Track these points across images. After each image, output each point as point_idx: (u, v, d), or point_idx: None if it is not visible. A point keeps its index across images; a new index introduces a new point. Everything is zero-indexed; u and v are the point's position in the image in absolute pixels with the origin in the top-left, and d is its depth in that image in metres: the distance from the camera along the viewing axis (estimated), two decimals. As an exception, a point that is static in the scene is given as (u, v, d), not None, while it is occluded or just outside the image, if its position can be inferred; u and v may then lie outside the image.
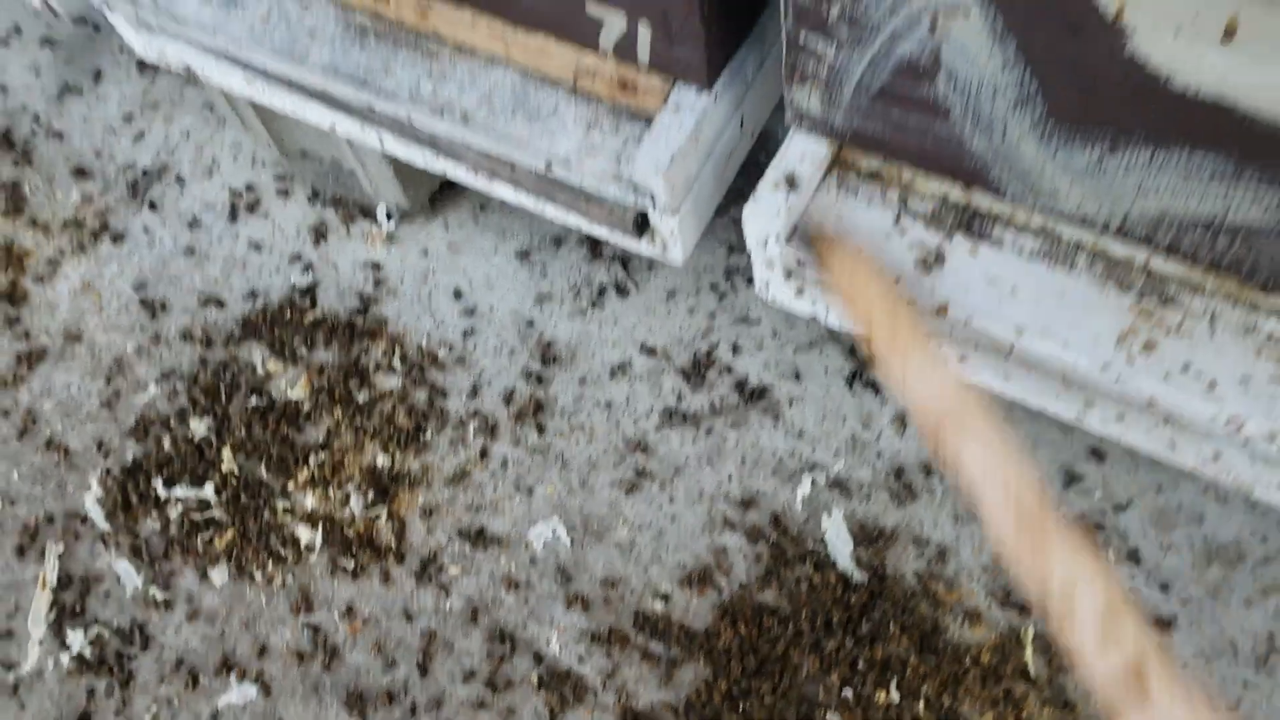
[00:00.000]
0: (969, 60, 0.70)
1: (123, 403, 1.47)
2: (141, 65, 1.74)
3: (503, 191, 1.00)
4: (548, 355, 1.42)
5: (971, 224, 0.83)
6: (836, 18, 0.72)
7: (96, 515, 1.39)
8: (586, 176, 0.91)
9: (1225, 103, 0.63)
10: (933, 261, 0.82)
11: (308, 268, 1.54)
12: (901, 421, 1.29)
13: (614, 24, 0.86)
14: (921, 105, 0.76)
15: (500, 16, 0.93)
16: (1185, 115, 0.65)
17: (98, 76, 1.76)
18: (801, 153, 0.85)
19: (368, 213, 1.56)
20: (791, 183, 0.84)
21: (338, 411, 1.42)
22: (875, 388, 1.31)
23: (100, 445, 1.44)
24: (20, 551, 1.39)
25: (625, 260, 1.45)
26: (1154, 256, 0.78)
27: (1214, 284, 0.77)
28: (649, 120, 0.90)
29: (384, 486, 1.37)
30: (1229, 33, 0.59)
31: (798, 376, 1.34)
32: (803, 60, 0.78)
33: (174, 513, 1.37)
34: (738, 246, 1.39)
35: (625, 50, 0.88)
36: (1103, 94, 0.67)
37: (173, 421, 1.43)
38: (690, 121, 0.87)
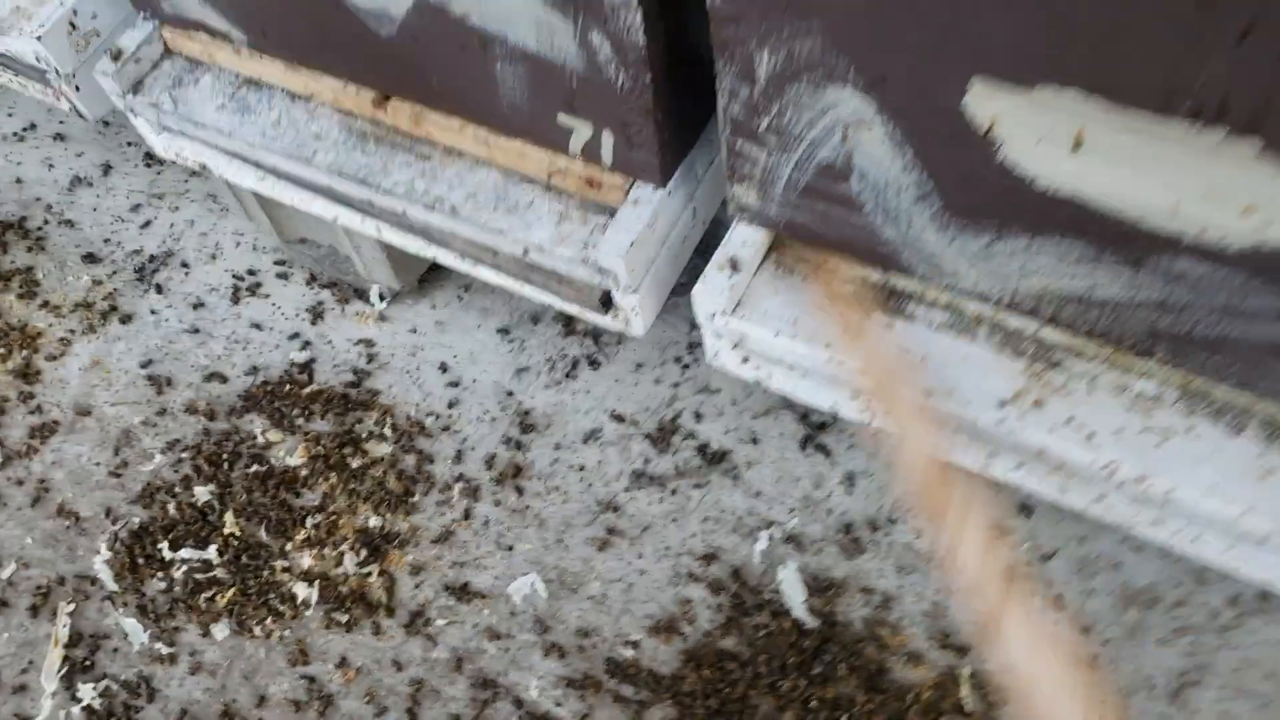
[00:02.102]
0: (875, 164, 0.84)
1: (130, 472, 1.58)
2: (148, 158, 1.88)
3: (486, 274, 1.13)
4: (526, 423, 1.54)
5: (892, 300, 0.96)
6: (765, 129, 0.86)
7: (105, 576, 1.49)
8: (559, 261, 1.04)
9: (1080, 200, 0.76)
10: (858, 335, 0.95)
11: (305, 345, 1.67)
12: (850, 481, 1.41)
13: (582, 132, 1.00)
14: (840, 200, 0.89)
15: (484, 124, 1.07)
16: (1051, 210, 0.78)
17: (107, 169, 1.90)
18: (743, 240, 0.99)
19: (361, 294, 1.69)
20: (734, 265, 0.97)
21: (333, 477, 1.53)
22: (825, 451, 1.43)
23: (109, 511, 1.54)
24: (34, 611, 1.48)
25: (596, 335, 1.58)
26: (1042, 327, 0.91)
27: (1092, 349, 0.90)
28: (612, 212, 1.03)
29: (375, 546, 1.47)
30: (1078, 144, 0.73)
31: (755, 441, 1.47)
32: (739, 163, 0.92)
33: (178, 573, 1.47)
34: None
35: (591, 153, 1.02)
36: (985, 192, 0.80)
37: (177, 488, 1.54)
38: (647, 214, 1.01)
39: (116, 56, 1.18)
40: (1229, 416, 0.87)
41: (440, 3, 0.94)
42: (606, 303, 1.06)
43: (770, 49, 0.79)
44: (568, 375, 1.57)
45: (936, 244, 0.88)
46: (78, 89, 1.25)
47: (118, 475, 1.58)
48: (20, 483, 1.60)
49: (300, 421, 1.59)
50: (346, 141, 1.14)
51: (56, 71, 1.23)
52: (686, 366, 1.55)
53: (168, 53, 1.22)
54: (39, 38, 1.20)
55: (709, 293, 0.97)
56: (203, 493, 1.53)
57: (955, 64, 0.73)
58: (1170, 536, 0.90)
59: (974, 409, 0.90)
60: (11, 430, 1.65)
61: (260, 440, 1.57)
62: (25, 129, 1.97)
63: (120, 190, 1.88)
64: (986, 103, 0.74)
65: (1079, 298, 0.85)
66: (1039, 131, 0.74)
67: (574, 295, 1.06)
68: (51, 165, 1.92)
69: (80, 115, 1.32)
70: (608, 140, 0.99)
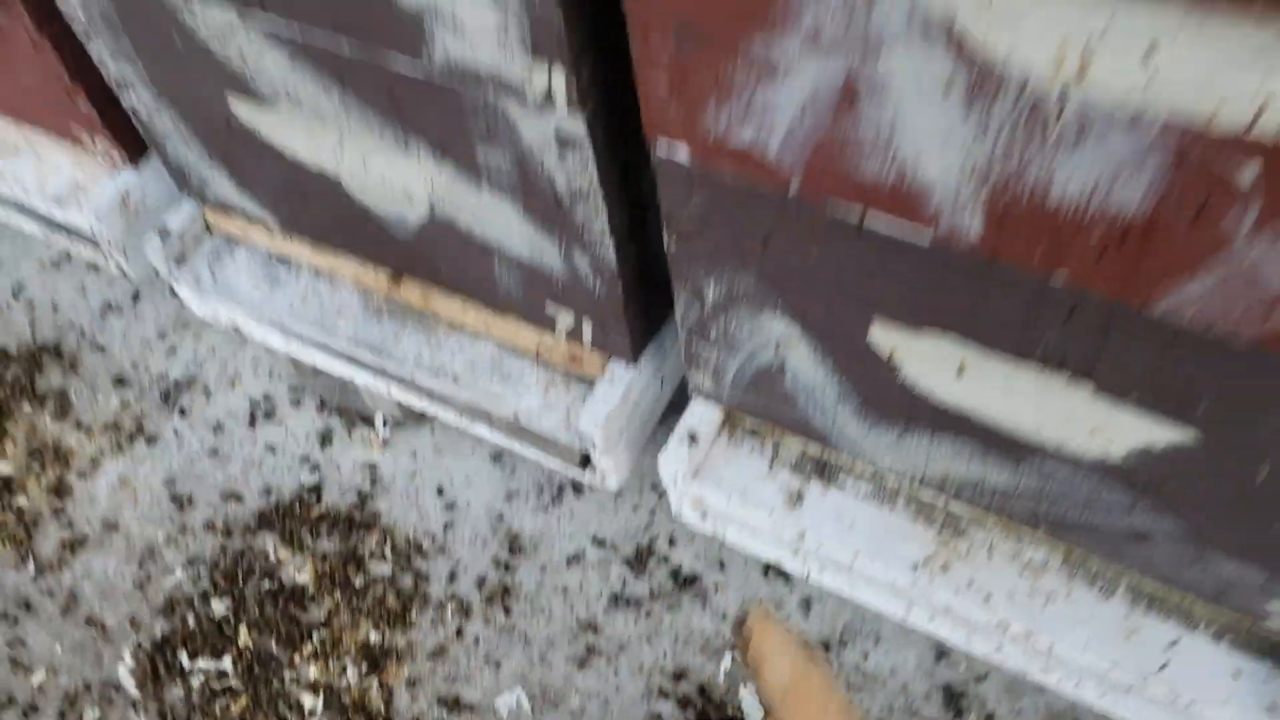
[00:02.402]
0: (803, 370, 1.01)
1: (153, 584, 1.73)
2: (174, 290, 2.06)
3: (481, 432, 1.30)
4: (514, 545, 1.69)
5: (823, 471, 1.13)
6: (714, 336, 1.04)
7: (128, 684, 1.63)
8: (545, 426, 1.21)
9: (966, 413, 0.94)
10: (795, 500, 1.12)
11: (315, 468, 1.83)
12: (806, 605, 1.57)
13: (565, 319, 1.17)
14: (777, 394, 1.07)
15: (483, 305, 1.25)
16: (945, 417, 0.96)
17: (136, 298, 2.08)
18: (700, 415, 1.16)
19: (367, 420, 1.86)
20: (693, 438, 1.15)
21: (338, 594, 1.69)
22: (785, 577, 1.59)
23: (133, 622, 1.69)
24: (61, 717, 1.62)
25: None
26: (949, 500, 1.08)
27: (991, 521, 1.07)
28: (592, 384, 1.21)
29: (375, 659, 1.62)
30: (961, 371, 0.91)
31: (722, 566, 1.63)
32: (695, 357, 1.09)
33: (196, 682, 1.61)
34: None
35: (574, 336, 1.20)
36: (891, 399, 0.98)
37: (196, 602, 1.69)
38: (621, 389, 1.18)
39: (164, 235, 1.37)
40: (1101, 583, 1.03)
41: (449, 218, 1.12)
42: (585, 461, 1.23)
43: (716, 282, 0.97)
44: (554, 501, 1.73)
45: (857, 432, 1.05)
46: (125, 255, 1.43)
47: (142, 588, 1.73)
48: (51, 593, 1.75)
49: (309, 540, 1.75)
50: (364, 314, 1.32)
51: (109, 241, 1.41)
52: (662, 495, 1.71)
53: (208, 230, 1.40)
54: (97, 215, 1.38)
55: (671, 460, 1.14)
56: (219, 606, 1.68)
57: (860, 309, 0.90)
58: (1057, 682, 1.05)
59: (892, 570, 1.06)
60: (44, 544, 1.80)
61: (272, 558, 1.73)
62: (61, 259, 2.15)
63: (148, 318, 2.05)
64: (886, 337, 0.92)
65: (974, 483, 1.02)
66: (930, 360, 0.91)
67: (557, 454, 1.23)
68: (85, 293, 2.10)
69: (125, 275, 1.50)
70: (587, 327, 1.17)
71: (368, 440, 1.85)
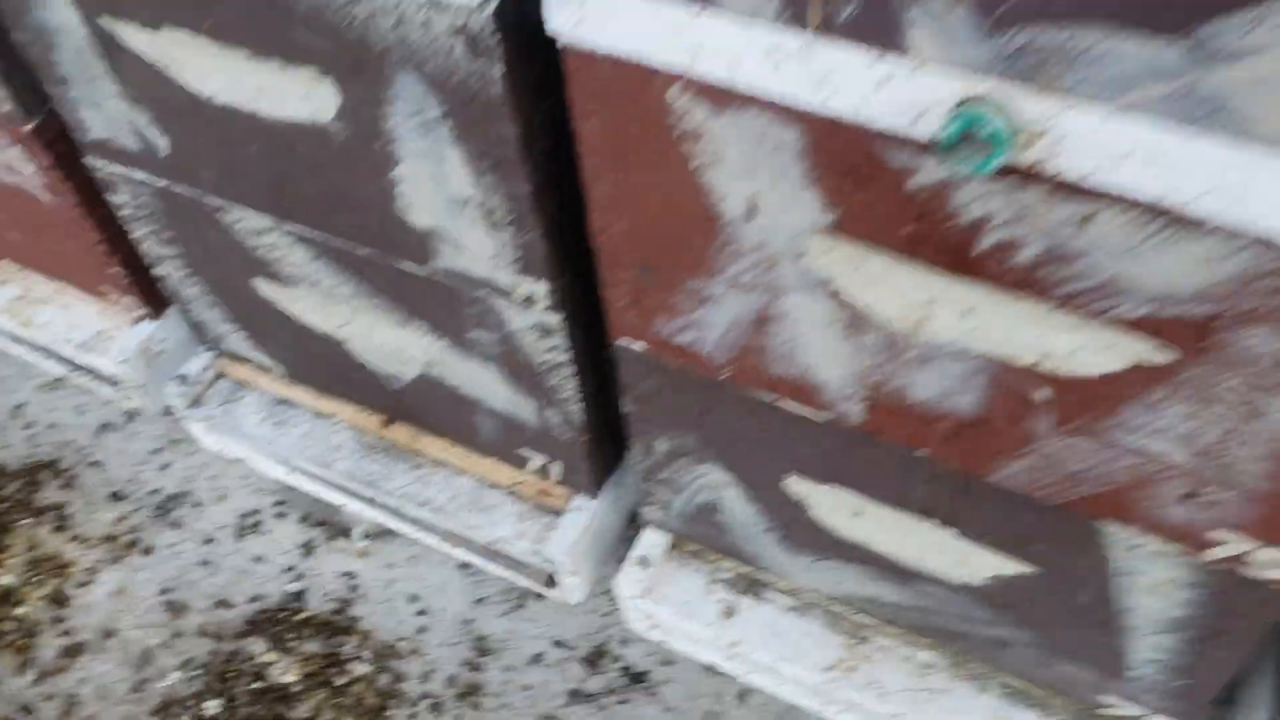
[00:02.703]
0: (736, 509, 1.25)
1: (149, 688, 1.89)
2: (167, 408, 2.25)
3: (462, 555, 1.51)
4: (482, 647, 1.89)
5: (753, 588, 1.36)
6: (663, 479, 1.27)
7: (129, 782, 1.79)
8: (517, 551, 1.43)
9: (863, 546, 1.18)
10: (730, 613, 1.35)
11: (299, 576, 2.01)
12: (743, 697, 1.78)
13: (537, 460, 1.40)
14: (715, 526, 1.30)
15: (465, 446, 1.47)
16: (848, 549, 1.19)
17: (131, 416, 2.27)
18: (651, 542, 1.39)
19: (346, 532, 2.05)
20: (644, 563, 1.37)
21: (321, 693, 1.86)
22: (726, 673, 1.81)
23: (132, 723, 1.85)
24: (67, 811, 1.77)
25: (542, 574, 1.95)
26: (855, 613, 1.32)
27: (890, 630, 1.30)
28: (559, 514, 1.43)
29: (355, 754, 1.80)
30: (857, 514, 1.14)
31: (669, 663, 1.84)
32: (647, 494, 1.32)
33: (193, 777, 1.78)
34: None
35: (544, 473, 1.42)
36: (807, 534, 1.21)
37: (190, 703, 1.86)
38: (584, 519, 1.40)
39: (182, 380, 1.57)
40: (978, 680, 1.27)
41: (439, 377, 1.35)
42: (552, 582, 1.44)
43: (664, 439, 1.20)
44: (518, 606, 1.93)
45: (780, 558, 1.28)
46: (145, 395, 1.63)
47: (138, 691, 1.89)
48: (51, 698, 1.90)
49: (294, 643, 1.93)
50: (359, 451, 1.53)
51: (131, 384, 1.61)
52: (615, 600, 1.92)
53: (219, 376, 1.61)
54: (121, 361, 1.58)
55: (626, 583, 1.36)
56: (211, 706, 1.85)
57: (778, 465, 1.14)
58: (945, 764, 1.28)
59: (809, 672, 1.29)
60: (44, 651, 1.96)
61: (260, 660, 1.90)
62: (58, 379, 2.34)
63: (142, 435, 2.24)
64: (799, 487, 1.15)
65: (873, 600, 1.25)
66: (833, 505, 1.15)
67: (528, 575, 1.45)
68: (82, 412, 2.28)
69: (138, 411, 1.70)
70: (556, 467, 1.39)
71: (347, 550, 2.04)
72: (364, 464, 1.52)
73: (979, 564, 1.09)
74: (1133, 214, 0.70)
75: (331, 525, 2.06)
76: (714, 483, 1.22)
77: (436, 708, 1.82)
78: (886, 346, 0.91)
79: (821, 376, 0.98)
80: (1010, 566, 1.07)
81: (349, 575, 2.00)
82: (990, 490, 0.99)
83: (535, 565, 1.43)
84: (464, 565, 1.98)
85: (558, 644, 1.88)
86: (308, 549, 2.05)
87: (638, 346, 1.09)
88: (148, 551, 2.06)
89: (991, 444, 0.94)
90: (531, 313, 1.13)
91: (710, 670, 1.81)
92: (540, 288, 1.09)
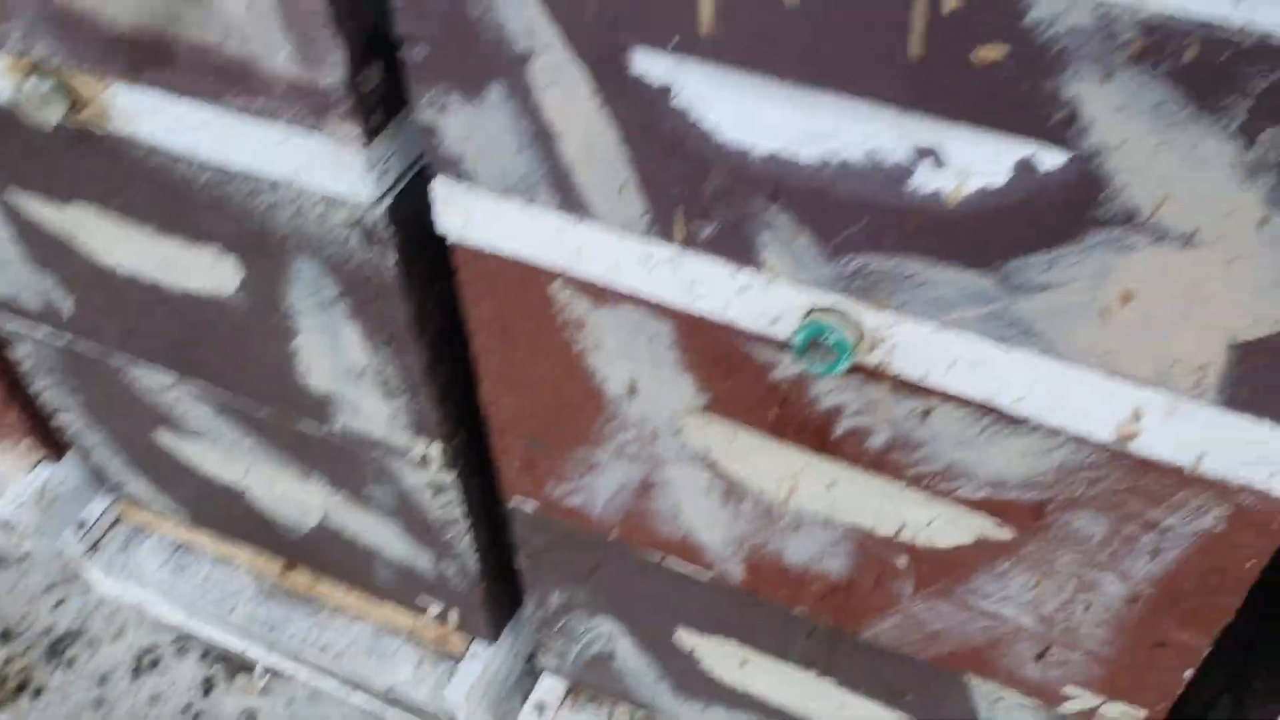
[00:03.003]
0: (628, 658, 1.28)
1: (35, 839, 1.83)
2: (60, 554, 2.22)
3: (358, 701, 1.51)
4: (385, 788, 1.87)
5: (649, 732, 1.39)
6: (558, 629, 1.31)
7: None
8: (416, 696, 1.44)
9: (749, 694, 1.22)
10: (626, 757, 1.37)
11: (196, 716, 1.98)
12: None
13: (435, 608, 1.42)
14: (610, 672, 1.33)
15: (364, 591, 1.49)
16: (735, 696, 1.23)
17: (24, 557, 2.22)
18: (547, 687, 1.41)
19: (248, 669, 2.03)
20: (541, 708, 1.39)
21: (215, 840, 1.82)
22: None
23: None
24: None
25: (446, 710, 1.95)
26: (747, 756, 1.35)
27: (780, 772, 1.34)
28: (458, 660, 1.45)
29: None
30: (742, 663, 1.19)
31: (572, 801, 1.83)
32: (543, 642, 1.35)
33: None
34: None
35: (442, 619, 1.44)
36: (696, 681, 1.25)
37: None
38: (482, 664, 1.42)
39: (80, 526, 1.57)
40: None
41: (337, 526, 1.37)
42: (451, 726, 1.46)
43: (558, 591, 1.24)
44: (420, 744, 1.92)
45: (673, 704, 1.32)
46: (39, 539, 1.62)
47: (24, 843, 1.83)
48: None
49: (189, 789, 1.89)
50: (259, 596, 1.54)
51: (25, 528, 1.60)
52: (517, 735, 1.92)
53: (119, 520, 1.61)
54: (16, 506, 1.57)
55: (523, 728, 1.38)
56: None
57: (667, 618, 1.19)
58: None
59: (703, 816, 1.32)
60: (-75, 801, 1.88)
61: (154, 807, 1.86)
62: (-49, 513, 2.28)
63: (36, 571, 2.19)
64: (688, 638, 1.20)
65: (763, 743, 1.29)
66: (721, 655, 1.20)
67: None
68: (-26, 547, 2.23)
69: (29, 555, 1.68)
70: (454, 614, 1.42)
71: (247, 688, 2.01)
72: (264, 609, 1.53)
73: (857, 712, 1.14)
74: (965, 410, 0.77)
75: (232, 661, 2.04)
76: (607, 634, 1.26)
77: None
78: (761, 513, 0.97)
79: (703, 538, 1.04)
80: (886, 715, 1.12)
81: (249, 714, 1.97)
82: (862, 645, 1.05)
83: (434, 710, 1.44)
84: (367, 713, 1.97)
85: (460, 782, 1.87)
86: (207, 687, 2.02)
87: (529, 507, 1.13)
88: (38, 693, 2.01)
89: (859, 604, 1.00)
90: (426, 471, 1.17)
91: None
92: (434, 449, 1.13)
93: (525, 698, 1.42)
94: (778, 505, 0.95)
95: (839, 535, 0.94)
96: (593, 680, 1.37)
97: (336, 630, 1.50)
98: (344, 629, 1.50)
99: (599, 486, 1.05)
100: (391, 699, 1.47)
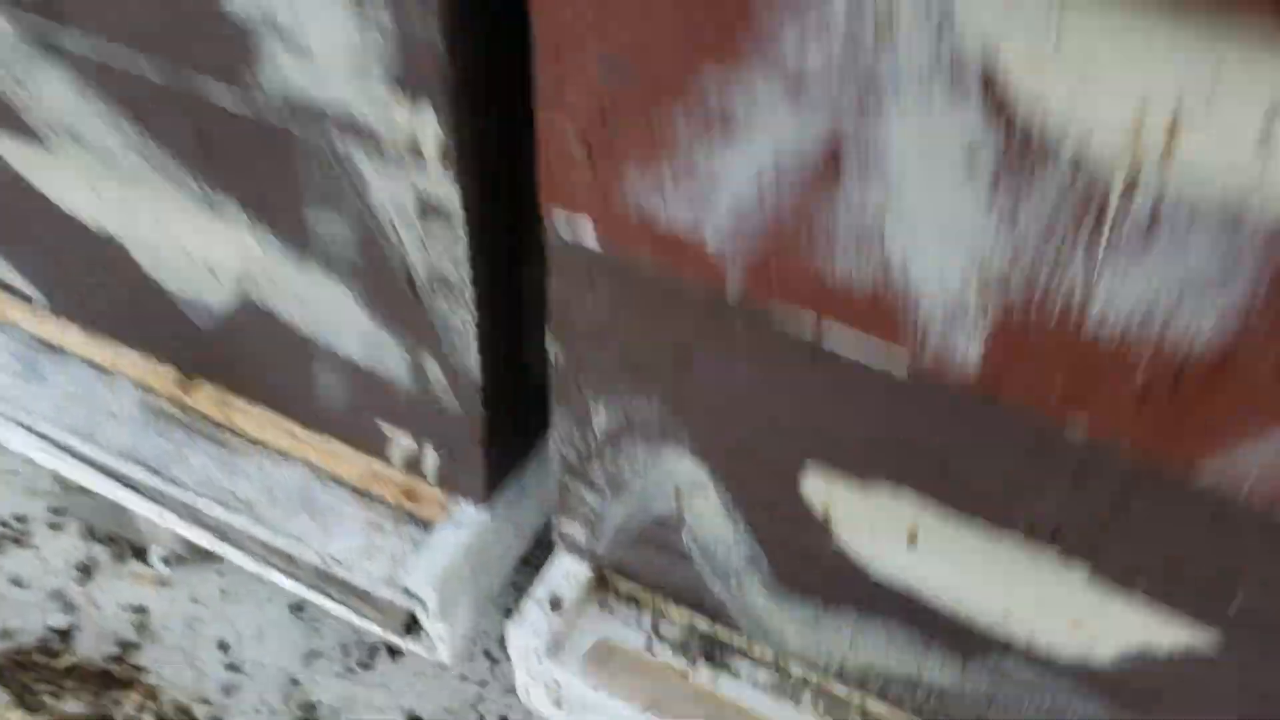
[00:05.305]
0: (708, 525, 0.80)
1: None
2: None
3: (279, 579, 1.03)
4: (309, 718, 1.39)
5: (714, 653, 0.92)
6: (597, 475, 0.83)
7: None
8: (362, 577, 0.96)
9: (913, 592, 0.75)
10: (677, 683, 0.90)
11: (69, 607, 1.49)
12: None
13: (403, 444, 0.94)
14: (670, 551, 0.85)
15: (297, 418, 1.00)
16: (881, 597, 0.76)
17: None
18: (566, 573, 0.93)
19: (140, 554, 1.54)
20: (555, 603, 0.91)
21: (76, 770, 1.34)
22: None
23: None
24: None
25: (401, 622, 1.47)
26: (868, 699, 0.88)
27: (920, 727, 0.87)
28: (428, 528, 0.97)
29: None
30: (912, 539, 0.72)
31: (563, 753, 1.37)
32: (569, 500, 0.87)
33: None
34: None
35: (412, 465, 0.96)
36: (815, 569, 0.78)
37: (-118, 777, 1.32)
38: (467, 537, 0.94)
39: (-110, 302, 1.07)
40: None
41: (263, 304, 0.88)
42: (411, 626, 0.97)
43: (609, 406, 0.76)
44: (364, 665, 1.44)
45: (764, 607, 0.84)
46: None
47: None
48: None
49: (48, 699, 1.40)
50: (143, 421, 1.05)
51: None
52: (496, 662, 1.45)
53: (-48, 302, 1.11)
54: None
55: (525, 631, 0.90)
56: (-87, 784, 1.31)
57: (794, 452, 0.71)
58: None
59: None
60: None
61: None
62: None
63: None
64: (823, 489, 0.72)
65: (905, 679, 0.82)
66: (875, 522, 0.72)
67: (375, 614, 0.98)
68: None
69: None
70: (431, 455, 0.93)
71: (139, 577, 1.52)
72: (149, 439, 1.04)
73: (1115, 628, 0.67)
74: None
75: (122, 543, 1.55)
76: (680, 482, 0.78)
77: (238, 798, 1.32)
78: (1074, 209, 0.49)
79: (919, 280, 0.56)
80: (1173, 634, 0.65)
81: (138, 610, 1.49)
82: (1186, 498, 0.58)
83: (388, 599, 0.96)
84: (296, 608, 1.49)
85: (413, 718, 1.39)
86: (86, 571, 1.53)
87: (586, 233, 0.65)
88: None
89: (1225, 407, 0.52)
90: (411, 175, 0.69)
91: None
92: (430, 121, 0.65)
93: (526, 592, 0.94)
94: (1122, 181, 0.48)
95: (1247, 244, 0.47)
96: (638, 566, 0.90)
97: (251, 474, 1.01)
98: (264, 472, 1.02)
99: (726, 173, 0.57)
100: (324, 579, 0.99)
